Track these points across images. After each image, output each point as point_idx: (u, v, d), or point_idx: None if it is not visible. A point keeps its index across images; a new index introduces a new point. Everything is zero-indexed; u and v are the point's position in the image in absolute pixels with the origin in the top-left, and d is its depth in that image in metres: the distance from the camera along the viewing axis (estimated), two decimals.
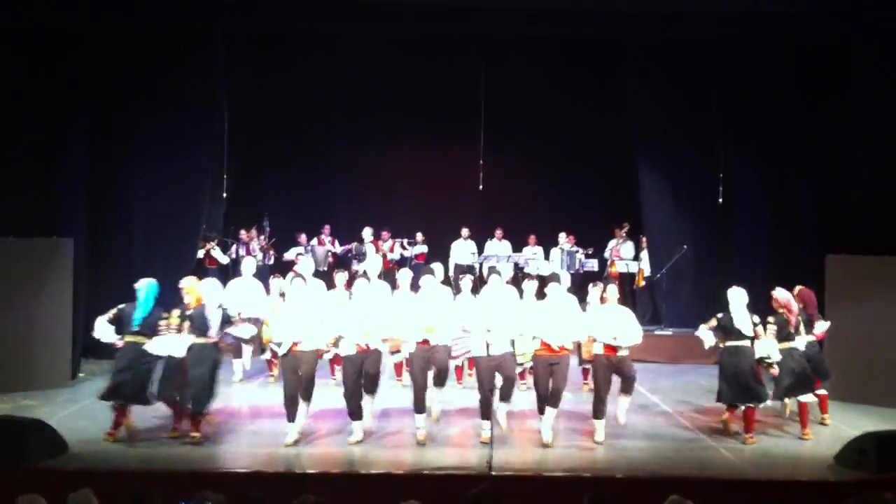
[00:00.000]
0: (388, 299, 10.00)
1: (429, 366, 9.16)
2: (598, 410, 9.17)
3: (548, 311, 9.12)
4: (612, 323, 9.20)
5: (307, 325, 9.01)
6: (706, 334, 9.60)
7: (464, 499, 5.22)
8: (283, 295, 10.65)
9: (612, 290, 9.49)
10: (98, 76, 12.64)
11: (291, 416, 8.96)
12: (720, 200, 14.18)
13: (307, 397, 9.08)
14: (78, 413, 10.05)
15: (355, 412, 9.05)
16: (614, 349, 9.13)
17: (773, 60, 13.63)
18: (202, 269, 14.55)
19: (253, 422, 10.11)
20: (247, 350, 12.08)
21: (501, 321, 8.99)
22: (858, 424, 9.64)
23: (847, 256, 11.57)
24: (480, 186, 15.52)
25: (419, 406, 9.07)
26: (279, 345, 9.17)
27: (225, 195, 14.68)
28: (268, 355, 12.09)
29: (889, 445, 8.17)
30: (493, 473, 7.89)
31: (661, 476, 8.05)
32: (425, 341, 9.09)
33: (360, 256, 15.60)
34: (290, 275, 10.71)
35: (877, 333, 11.09)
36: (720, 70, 14.02)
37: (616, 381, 9.31)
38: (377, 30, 14.13)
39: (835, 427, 9.92)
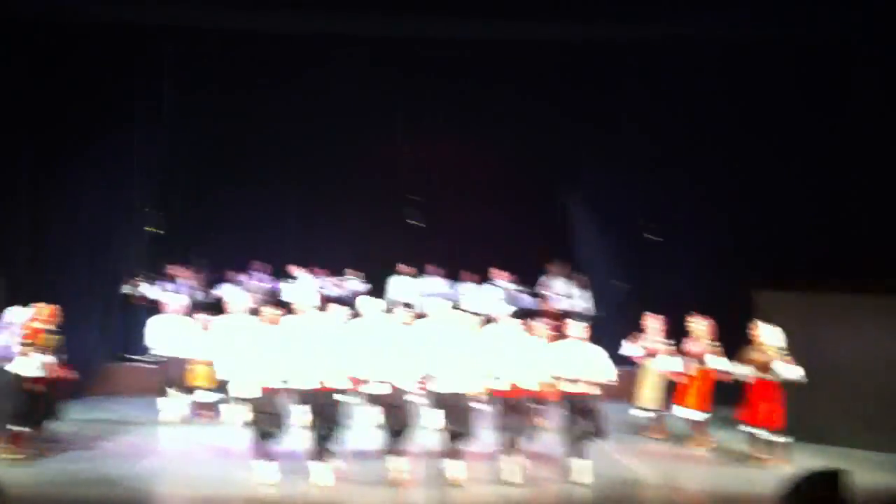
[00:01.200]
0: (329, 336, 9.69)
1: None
2: (579, 451, 9.02)
3: (511, 348, 9.07)
4: (580, 360, 9.11)
5: (262, 362, 8.84)
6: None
7: None
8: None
9: (576, 328, 9.39)
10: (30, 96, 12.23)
11: (261, 453, 8.77)
12: (646, 235, 14.29)
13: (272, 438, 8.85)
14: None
15: (320, 451, 8.82)
16: (580, 388, 9.03)
17: (705, 82, 13.76)
18: (129, 306, 14.14)
19: (184, 464, 9.75)
20: (172, 393, 11.67)
21: (467, 357, 8.92)
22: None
23: (774, 293, 11.63)
24: (414, 221, 15.35)
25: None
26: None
27: (160, 231, 14.27)
28: (198, 397, 11.71)
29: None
30: None
31: None
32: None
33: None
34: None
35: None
36: (646, 96, 14.13)
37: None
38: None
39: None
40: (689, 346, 10.81)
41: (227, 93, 15.17)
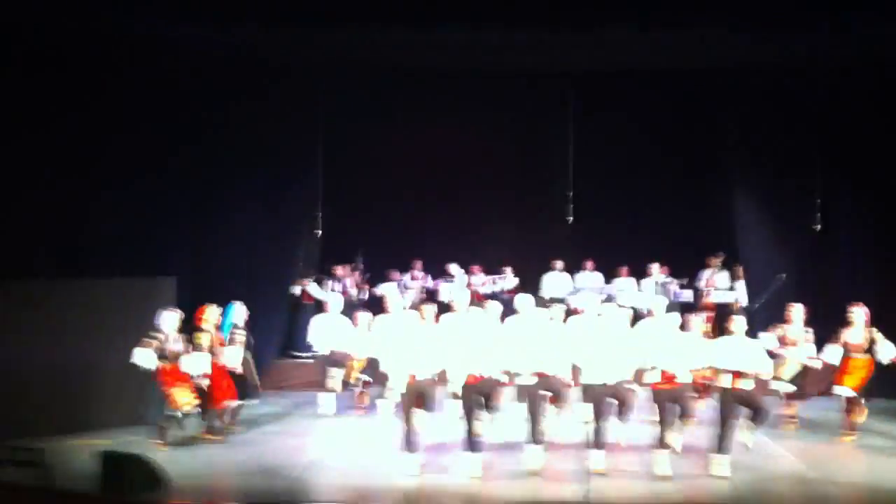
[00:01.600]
0: (484, 332, 9.97)
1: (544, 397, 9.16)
2: (723, 446, 8.98)
3: (666, 340, 9.10)
4: (739, 353, 9.08)
5: (421, 356, 9.11)
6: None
7: None
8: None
9: (739, 322, 9.33)
10: (201, 121, 13.07)
11: (412, 447, 9.05)
12: (818, 227, 13.87)
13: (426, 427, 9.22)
14: (180, 449, 10.31)
15: (473, 444, 9.05)
16: (739, 381, 8.98)
17: (870, 81, 13.28)
18: (300, 306, 14.91)
19: (344, 456, 10.26)
20: (337, 375, 12.29)
21: (618, 349, 9.01)
22: None
23: None
24: (570, 218, 15.41)
25: (536, 437, 9.10)
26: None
27: (319, 233, 14.94)
28: (358, 388, 12.27)
29: None
30: None
31: None
32: (541, 373, 9.09)
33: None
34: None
35: None
36: (816, 93, 13.74)
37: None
38: (465, 61, 14.24)
39: None
40: (848, 334, 10.51)
41: (383, 103, 15.72)
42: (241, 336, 11.26)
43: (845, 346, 10.59)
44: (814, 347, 10.89)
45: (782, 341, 10.93)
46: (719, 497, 8.38)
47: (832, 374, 10.84)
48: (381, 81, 15.55)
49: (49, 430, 10.22)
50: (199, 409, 10.48)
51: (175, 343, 10.40)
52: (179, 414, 10.33)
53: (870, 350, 10.47)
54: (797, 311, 11.00)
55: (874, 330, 10.47)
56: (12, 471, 8.12)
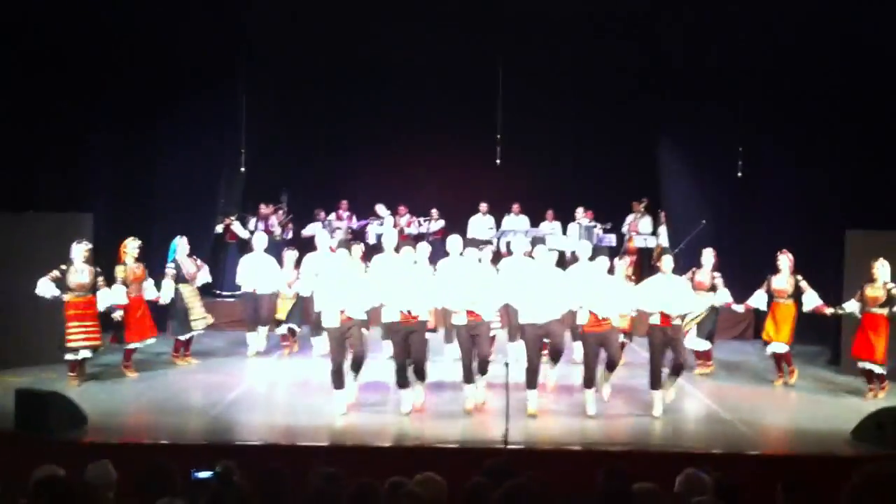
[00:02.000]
0: (414, 272, 9.92)
1: (472, 340, 9.19)
2: (656, 382, 9.22)
3: (596, 282, 9.18)
4: (667, 293, 9.25)
5: (353, 295, 9.07)
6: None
7: (479, 471, 5.24)
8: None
9: (668, 261, 9.55)
10: (124, 56, 12.75)
11: (339, 384, 9.05)
12: (739, 174, 14.09)
13: (356, 368, 9.20)
14: (97, 386, 10.17)
15: (403, 382, 9.10)
16: (669, 320, 9.20)
17: (799, 34, 13.41)
18: (222, 244, 14.72)
19: (269, 395, 10.22)
20: (262, 330, 12.21)
21: (551, 289, 9.08)
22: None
23: (867, 231, 11.49)
24: (498, 161, 15.40)
25: (467, 376, 9.18)
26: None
27: (243, 170, 14.70)
28: (283, 330, 12.20)
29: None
30: (510, 447, 7.89)
31: (676, 450, 8.05)
32: (472, 313, 9.10)
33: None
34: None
35: None
36: (743, 44, 13.85)
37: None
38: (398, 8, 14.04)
39: (854, 402, 9.94)
40: (775, 280, 10.78)
41: (310, 42, 15.40)
42: (171, 270, 11.31)
43: (772, 291, 10.85)
44: (727, 292, 11.12)
45: (693, 285, 11.17)
46: (636, 435, 8.57)
47: (758, 319, 11.11)
48: (307, 13, 15.21)
49: None
50: (93, 347, 10.33)
51: (80, 274, 10.20)
52: (73, 352, 10.17)
53: (794, 296, 10.75)
54: (707, 255, 11.23)
55: (799, 277, 10.73)
56: None
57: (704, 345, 11.19)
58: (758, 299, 10.99)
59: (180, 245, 11.53)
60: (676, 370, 9.38)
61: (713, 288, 11.12)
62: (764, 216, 14.02)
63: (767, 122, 13.85)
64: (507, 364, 8.62)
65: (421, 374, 9.23)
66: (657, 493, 4.86)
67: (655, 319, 9.31)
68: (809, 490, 5.02)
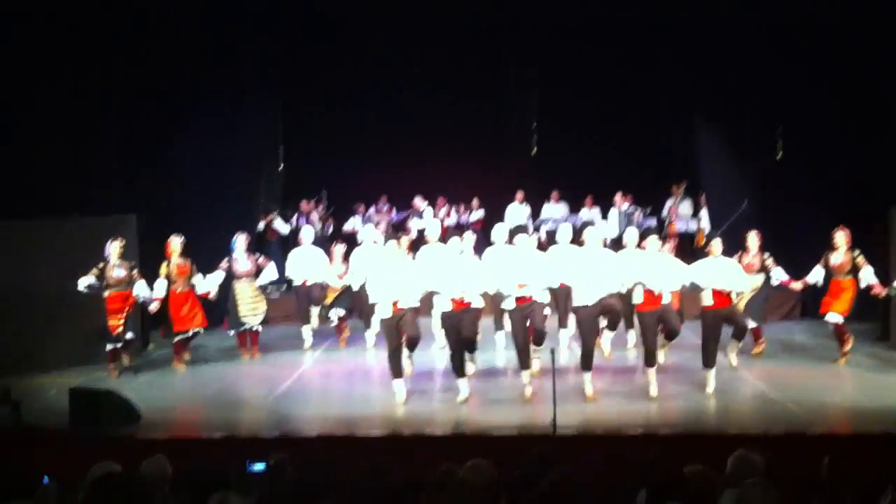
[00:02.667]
0: (462, 260, 9.85)
1: (526, 322, 9.16)
2: (710, 360, 9.24)
3: (648, 260, 9.17)
4: (720, 271, 9.26)
5: (405, 285, 9.13)
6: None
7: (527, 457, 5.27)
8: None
9: (717, 244, 9.58)
10: (164, 55, 12.92)
11: (398, 372, 9.12)
12: (779, 155, 13.93)
13: (411, 347, 9.29)
14: (149, 383, 10.33)
15: (460, 370, 9.13)
16: (723, 300, 9.18)
17: (838, 9, 13.22)
18: (264, 241, 14.84)
19: (322, 386, 10.31)
20: (314, 311, 12.35)
21: (604, 268, 9.08)
22: None
23: None
24: (535, 149, 15.37)
25: (524, 361, 9.15)
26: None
27: (282, 167, 14.80)
28: (334, 321, 12.31)
29: None
30: (559, 433, 7.88)
31: (727, 432, 8.01)
32: (523, 298, 9.11)
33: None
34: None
35: None
36: (778, 22, 13.69)
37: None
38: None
39: None
40: (833, 257, 10.66)
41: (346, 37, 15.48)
42: (224, 264, 11.52)
43: (829, 268, 10.72)
44: (781, 269, 10.98)
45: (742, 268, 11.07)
46: (687, 418, 8.54)
47: (810, 298, 10.99)
48: (342, 13, 15.31)
49: (10, 369, 10.12)
50: (131, 336, 10.72)
51: (117, 269, 10.62)
52: (115, 341, 10.57)
53: (853, 272, 10.61)
54: (752, 237, 11.12)
55: (857, 252, 10.60)
56: None
57: (752, 323, 11.09)
58: (815, 275, 10.81)
59: (239, 241, 11.68)
60: (739, 334, 9.59)
61: (763, 269, 10.99)
62: (806, 195, 13.84)
63: (807, 100, 13.67)
64: (553, 350, 8.64)
65: (471, 347, 9.29)
66: (709, 475, 4.85)
67: (708, 300, 9.32)
68: (856, 466, 4.99)
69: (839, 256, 10.65)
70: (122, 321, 10.59)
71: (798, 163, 14.04)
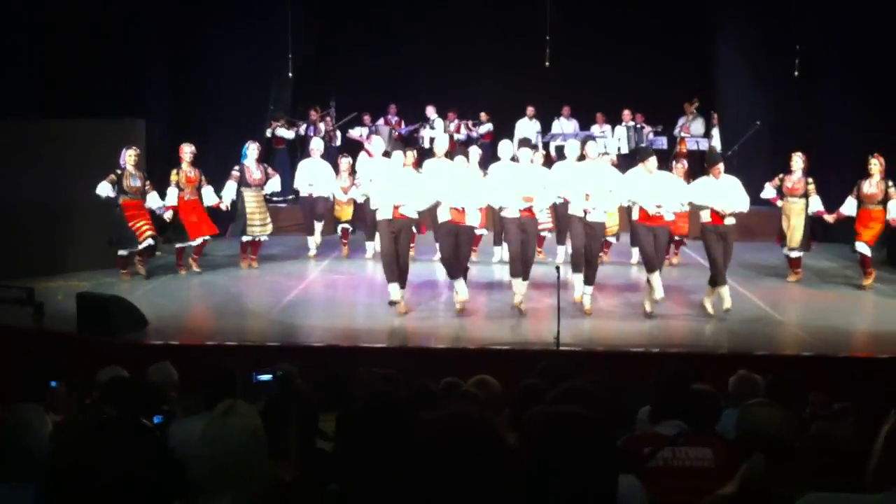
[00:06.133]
0: (465, 174, 9.82)
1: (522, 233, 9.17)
2: (717, 278, 9.15)
3: (649, 180, 9.10)
4: (719, 191, 9.17)
5: (408, 193, 9.09)
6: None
7: (533, 372, 5.29)
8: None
9: (720, 166, 9.39)
10: None
11: (392, 277, 9.11)
12: (797, 73, 13.66)
13: (402, 279, 9.21)
14: (156, 290, 10.36)
15: (454, 274, 9.17)
16: (721, 218, 9.13)
17: None
18: (271, 150, 14.75)
19: (327, 297, 10.35)
20: (318, 227, 12.30)
21: (603, 187, 9.04)
22: None
23: None
24: (547, 63, 15.11)
25: (515, 269, 9.17)
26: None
27: (291, 75, 14.61)
28: (339, 232, 12.33)
29: None
30: (562, 348, 7.93)
31: (729, 352, 8.05)
32: (524, 211, 9.07)
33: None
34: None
35: None
36: None
37: None
38: None
39: None
40: (865, 185, 10.50)
41: None
42: (235, 173, 11.47)
43: (861, 197, 10.54)
44: (818, 199, 10.78)
45: (784, 191, 10.90)
46: (690, 337, 8.59)
47: (844, 222, 10.84)
48: None
49: (20, 273, 10.03)
50: (153, 240, 10.80)
51: (132, 178, 10.65)
52: (139, 245, 10.65)
53: (883, 202, 10.43)
54: (797, 159, 10.84)
55: (890, 183, 10.41)
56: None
57: (796, 253, 10.98)
58: (849, 207, 10.61)
59: (250, 150, 11.61)
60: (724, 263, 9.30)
61: (805, 195, 10.80)
62: (825, 118, 13.64)
63: (827, 17, 13.37)
64: (557, 267, 8.61)
65: (464, 273, 9.27)
66: (712, 394, 4.88)
67: (706, 217, 9.26)
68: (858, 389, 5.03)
69: (871, 185, 10.48)
70: (144, 225, 10.68)
71: (817, 84, 13.79)
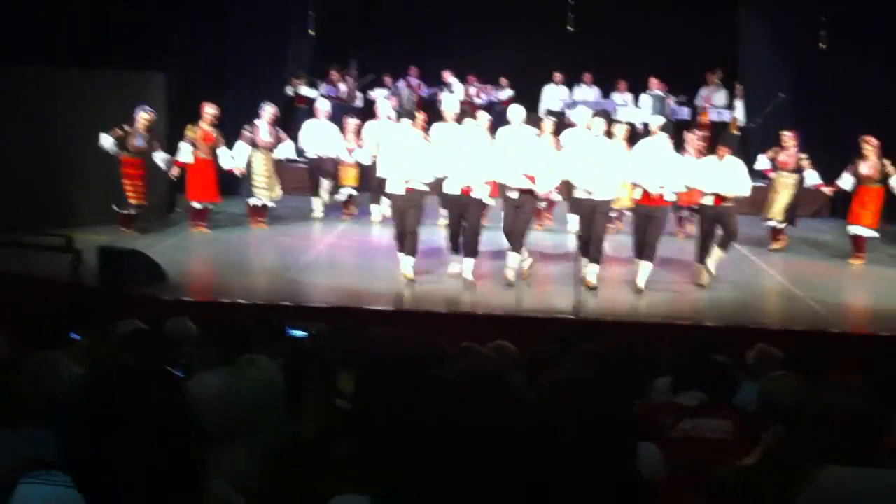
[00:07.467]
0: (473, 144, 9.75)
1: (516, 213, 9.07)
2: (703, 254, 9.22)
3: (649, 158, 8.99)
4: (719, 173, 9.10)
5: (417, 165, 8.98)
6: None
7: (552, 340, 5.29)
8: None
9: (726, 149, 9.36)
10: None
11: (402, 248, 9.07)
12: (824, 46, 13.49)
13: (411, 250, 9.14)
14: (175, 246, 10.40)
15: (456, 248, 9.18)
16: (721, 200, 9.09)
17: None
18: (292, 108, 14.69)
19: (339, 259, 10.38)
20: (326, 185, 12.33)
21: (605, 165, 8.92)
22: None
23: None
24: (570, 27, 14.94)
25: (513, 245, 9.10)
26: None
27: (312, 33, 14.52)
28: (343, 197, 12.32)
29: None
30: (582, 317, 7.91)
31: (747, 326, 8.03)
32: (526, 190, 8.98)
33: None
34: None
35: None
36: None
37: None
38: None
39: None
40: (862, 165, 10.47)
41: None
42: (247, 133, 11.43)
43: (859, 175, 10.54)
44: (815, 173, 10.83)
45: (777, 164, 10.93)
46: (701, 308, 8.57)
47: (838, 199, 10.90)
48: None
49: (38, 223, 9.82)
50: (139, 205, 10.79)
51: (138, 138, 10.63)
52: (126, 207, 10.68)
53: (882, 180, 10.44)
54: (788, 137, 10.94)
55: (888, 162, 10.40)
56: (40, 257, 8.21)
57: (772, 223, 11.04)
58: (845, 181, 10.67)
59: (265, 111, 11.55)
60: (725, 243, 9.30)
61: (798, 170, 10.82)
62: (849, 92, 13.47)
63: None
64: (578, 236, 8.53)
65: (473, 251, 9.10)
66: (731, 366, 4.87)
67: (708, 200, 9.21)
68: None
69: (868, 166, 10.48)
70: (131, 188, 10.67)
71: (844, 57, 13.60)
